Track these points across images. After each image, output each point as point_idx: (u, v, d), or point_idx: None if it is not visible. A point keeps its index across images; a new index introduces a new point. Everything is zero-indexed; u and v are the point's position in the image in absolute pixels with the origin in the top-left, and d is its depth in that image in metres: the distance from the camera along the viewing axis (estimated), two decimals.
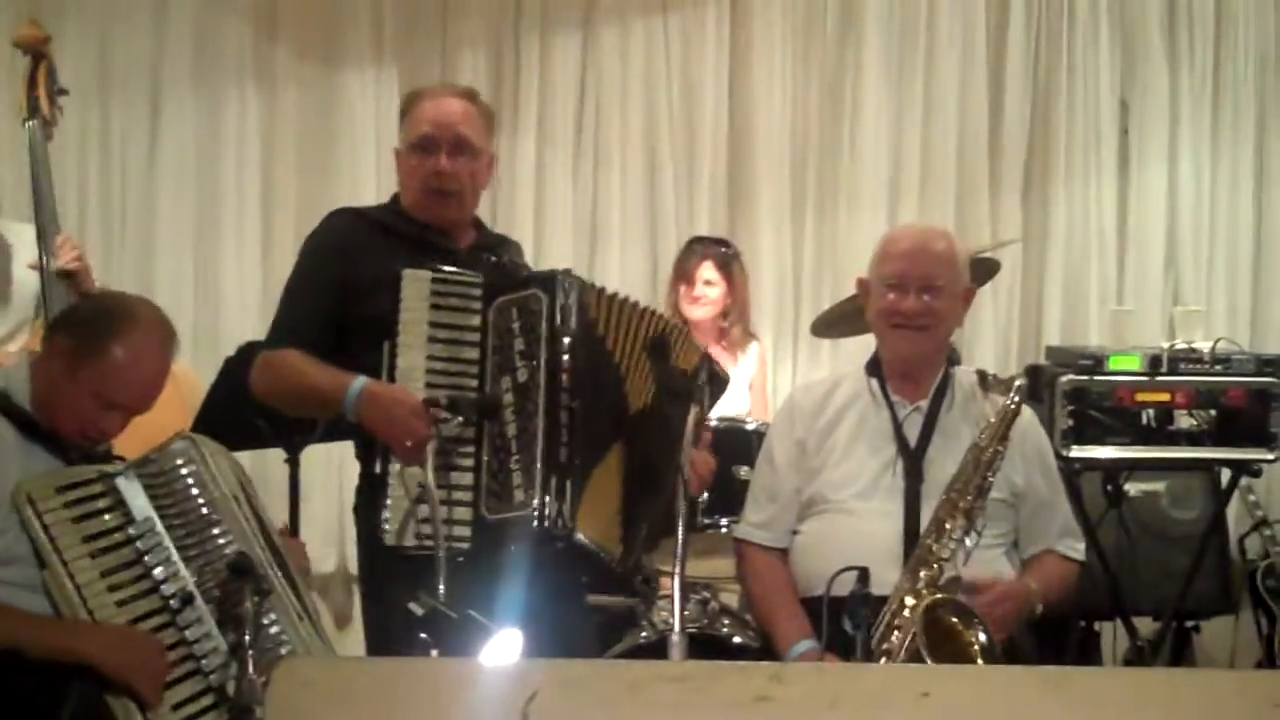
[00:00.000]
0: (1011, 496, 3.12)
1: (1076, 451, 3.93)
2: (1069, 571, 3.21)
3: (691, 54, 5.79)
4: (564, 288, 2.90)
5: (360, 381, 2.86)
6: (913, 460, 3.08)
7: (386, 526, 2.82)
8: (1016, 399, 2.99)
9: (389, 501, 2.83)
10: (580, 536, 2.85)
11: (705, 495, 3.59)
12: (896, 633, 2.85)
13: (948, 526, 2.92)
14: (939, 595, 2.85)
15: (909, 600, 2.86)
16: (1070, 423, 3.92)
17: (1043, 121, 5.84)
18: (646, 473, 2.92)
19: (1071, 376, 3.96)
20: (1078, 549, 3.23)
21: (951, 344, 3.31)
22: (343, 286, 3.00)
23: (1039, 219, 5.85)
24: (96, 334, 2.71)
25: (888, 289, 3.10)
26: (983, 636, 2.81)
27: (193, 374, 3.90)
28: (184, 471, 2.76)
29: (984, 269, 4.49)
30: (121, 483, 2.66)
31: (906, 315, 3.07)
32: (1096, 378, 3.97)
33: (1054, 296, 5.81)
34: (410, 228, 3.10)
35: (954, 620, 2.84)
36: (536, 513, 2.81)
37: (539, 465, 2.83)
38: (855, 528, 3.05)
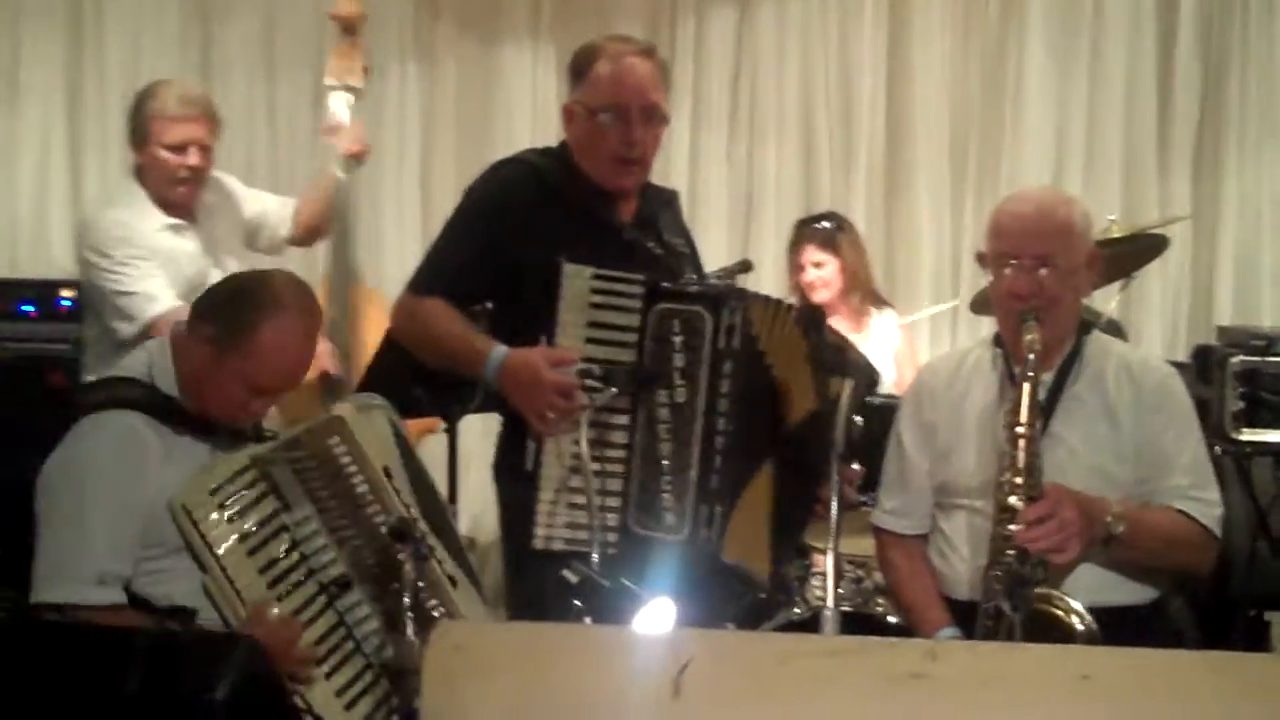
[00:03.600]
0: (1116, 462, 2.92)
1: (1247, 435, 3.82)
2: (1185, 527, 2.88)
3: (849, 30, 5.75)
4: (731, 307, 2.82)
5: (500, 350, 2.86)
6: None
7: (537, 530, 2.80)
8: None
9: (540, 503, 2.80)
10: (726, 559, 2.84)
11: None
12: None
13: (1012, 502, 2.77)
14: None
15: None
16: (1241, 405, 3.81)
17: (1214, 96, 5.68)
18: (803, 484, 2.89)
19: (1243, 358, 3.84)
20: (1206, 513, 2.90)
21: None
22: (499, 251, 2.95)
23: (1210, 196, 5.68)
24: (239, 321, 2.63)
25: (1001, 265, 2.94)
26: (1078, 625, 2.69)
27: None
28: (336, 452, 2.73)
29: (1152, 246, 4.38)
30: (274, 468, 2.62)
31: (1022, 296, 2.89)
32: (1270, 359, 3.84)
33: (1225, 275, 5.64)
34: (580, 194, 3.03)
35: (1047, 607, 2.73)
36: (686, 540, 2.80)
37: (692, 492, 2.81)
38: (987, 529, 2.86)
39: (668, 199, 3.25)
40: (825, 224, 4.87)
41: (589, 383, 2.76)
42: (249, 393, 2.66)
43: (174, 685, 2.38)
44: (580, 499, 2.72)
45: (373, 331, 4.05)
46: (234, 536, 2.56)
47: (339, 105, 4.17)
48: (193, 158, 3.88)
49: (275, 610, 2.53)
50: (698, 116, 5.73)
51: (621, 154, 3.00)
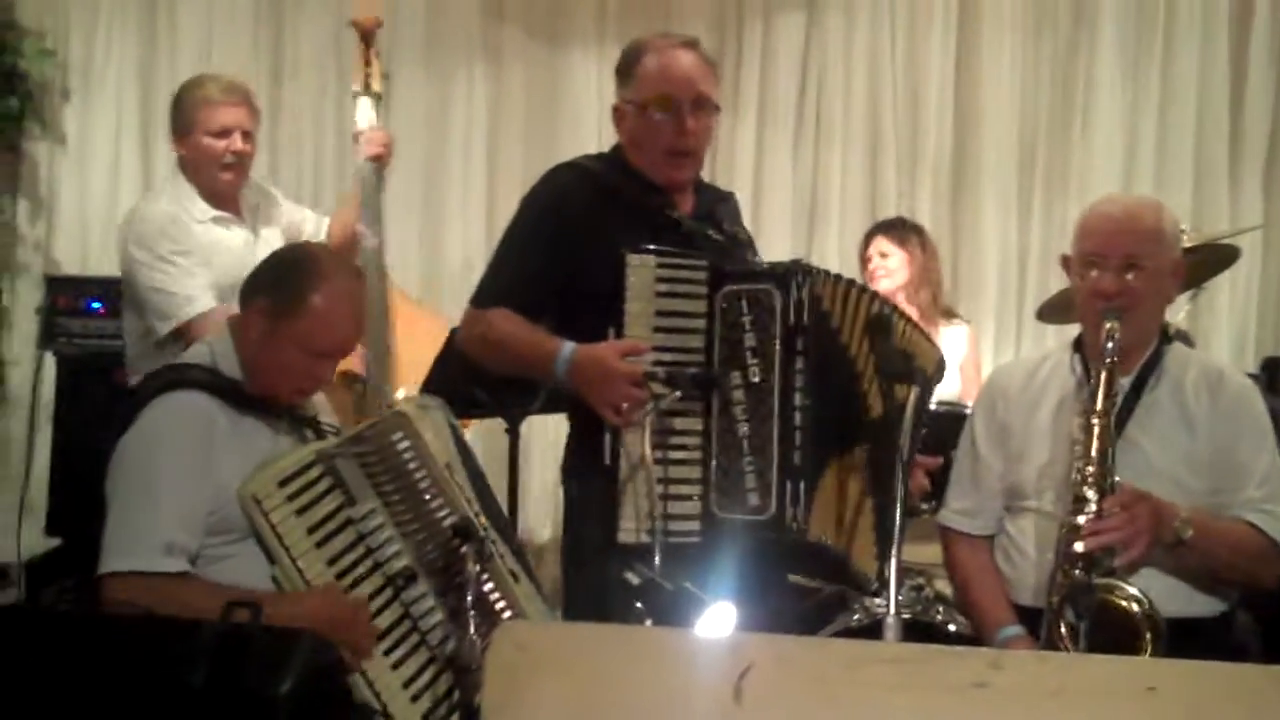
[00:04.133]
0: (1190, 471, 2.91)
1: None
2: (1254, 538, 2.87)
3: (917, 34, 5.72)
4: (798, 282, 2.80)
5: (569, 347, 2.86)
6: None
7: (622, 524, 2.77)
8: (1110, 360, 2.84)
9: (624, 496, 2.78)
10: (811, 536, 2.81)
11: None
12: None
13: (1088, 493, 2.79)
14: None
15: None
16: None
17: None
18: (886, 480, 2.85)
19: None
20: (1276, 527, 2.88)
21: (1178, 328, 3.11)
22: (562, 253, 2.96)
23: None
24: (290, 288, 2.71)
25: (1087, 266, 2.94)
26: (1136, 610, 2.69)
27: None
28: (400, 447, 2.77)
29: (1222, 256, 4.32)
30: (339, 462, 2.66)
31: (1107, 296, 2.90)
32: None
33: None
34: (637, 191, 3.04)
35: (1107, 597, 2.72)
36: (772, 519, 2.77)
37: (775, 470, 2.77)
38: (1055, 533, 2.87)
39: (724, 196, 3.26)
40: (896, 227, 4.90)
41: (654, 387, 2.76)
42: (309, 357, 2.72)
43: (240, 679, 2.40)
44: (661, 490, 2.72)
45: (401, 328, 4.04)
46: (303, 528, 2.60)
47: (362, 110, 4.19)
48: (237, 142, 3.92)
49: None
50: (764, 120, 5.71)
51: (675, 146, 3.01)
